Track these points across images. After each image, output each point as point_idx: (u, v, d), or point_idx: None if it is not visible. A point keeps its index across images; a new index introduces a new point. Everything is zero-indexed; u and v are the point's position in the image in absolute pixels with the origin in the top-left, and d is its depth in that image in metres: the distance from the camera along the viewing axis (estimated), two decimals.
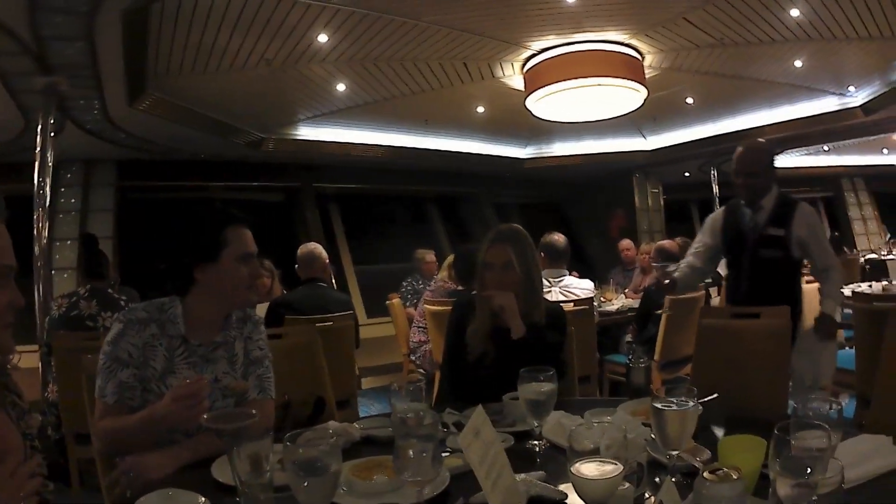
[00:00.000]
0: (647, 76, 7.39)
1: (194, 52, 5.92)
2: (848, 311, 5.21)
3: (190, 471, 1.93)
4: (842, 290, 4.05)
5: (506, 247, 2.80)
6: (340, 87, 7.42)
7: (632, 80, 7.07)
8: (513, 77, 7.61)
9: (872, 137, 12.02)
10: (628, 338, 5.96)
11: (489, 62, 7.14)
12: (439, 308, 5.25)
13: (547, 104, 7.45)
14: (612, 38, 6.78)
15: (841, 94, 9.16)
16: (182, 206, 9.75)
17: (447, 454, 1.87)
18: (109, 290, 4.66)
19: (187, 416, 1.92)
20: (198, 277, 2.21)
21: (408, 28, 5.98)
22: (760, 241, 3.74)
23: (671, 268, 4.00)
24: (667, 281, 3.92)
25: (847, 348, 5.59)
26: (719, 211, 4.04)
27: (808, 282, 5.74)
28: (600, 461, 1.36)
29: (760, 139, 4.03)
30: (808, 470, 1.22)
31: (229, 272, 2.21)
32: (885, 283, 6.84)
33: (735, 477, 1.22)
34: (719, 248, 3.96)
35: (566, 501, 1.57)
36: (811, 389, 4.97)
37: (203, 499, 1.61)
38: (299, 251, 5.19)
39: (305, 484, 1.35)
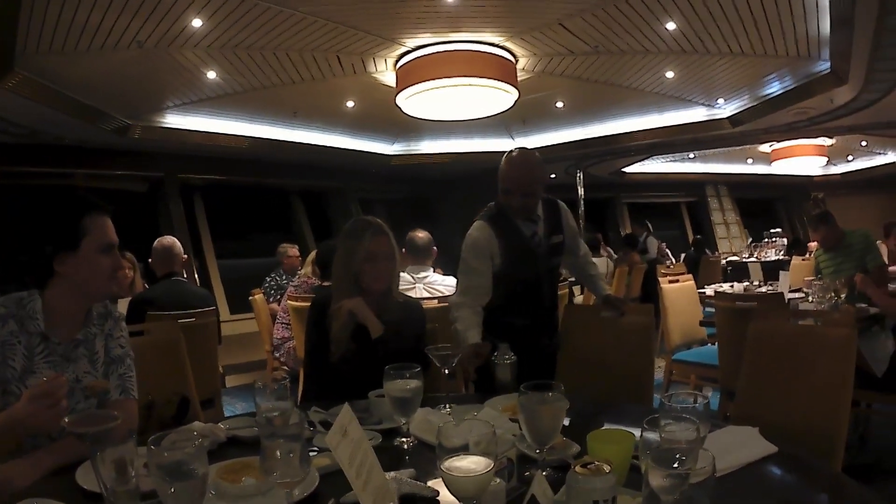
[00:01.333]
0: (519, 79, 7.52)
1: (66, 29, 5.58)
2: (711, 309, 5.53)
3: (54, 478, 1.84)
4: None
5: (388, 239, 2.87)
6: (211, 74, 7.20)
7: (503, 81, 7.17)
8: (385, 73, 7.59)
9: (738, 147, 12.80)
10: None
11: (362, 57, 7.10)
12: (303, 304, 5.21)
13: (417, 102, 7.47)
14: (488, 39, 6.86)
15: (710, 105, 9.62)
16: (44, 194, 9.09)
17: (315, 453, 1.88)
18: None
19: (47, 418, 1.80)
20: (57, 269, 2.12)
21: (283, 17, 5.86)
22: (550, 252, 3.46)
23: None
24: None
25: (710, 345, 5.93)
26: (485, 232, 3.33)
27: (670, 281, 6.07)
28: (470, 458, 1.37)
29: (532, 151, 3.44)
30: (679, 461, 1.27)
31: (90, 263, 2.14)
32: (746, 283, 7.24)
33: (607, 470, 1.28)
34: (499, 270, 3.32)
35: (437, 499, 1.60)
36: None
37: None
38: (155, 245, 5.06)
39: (171, 490, 1.29)
